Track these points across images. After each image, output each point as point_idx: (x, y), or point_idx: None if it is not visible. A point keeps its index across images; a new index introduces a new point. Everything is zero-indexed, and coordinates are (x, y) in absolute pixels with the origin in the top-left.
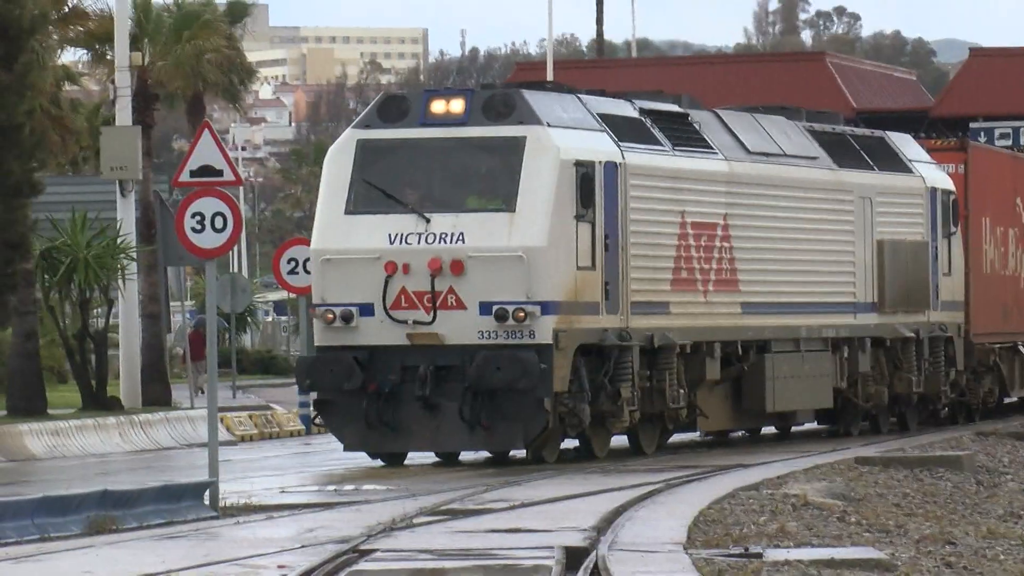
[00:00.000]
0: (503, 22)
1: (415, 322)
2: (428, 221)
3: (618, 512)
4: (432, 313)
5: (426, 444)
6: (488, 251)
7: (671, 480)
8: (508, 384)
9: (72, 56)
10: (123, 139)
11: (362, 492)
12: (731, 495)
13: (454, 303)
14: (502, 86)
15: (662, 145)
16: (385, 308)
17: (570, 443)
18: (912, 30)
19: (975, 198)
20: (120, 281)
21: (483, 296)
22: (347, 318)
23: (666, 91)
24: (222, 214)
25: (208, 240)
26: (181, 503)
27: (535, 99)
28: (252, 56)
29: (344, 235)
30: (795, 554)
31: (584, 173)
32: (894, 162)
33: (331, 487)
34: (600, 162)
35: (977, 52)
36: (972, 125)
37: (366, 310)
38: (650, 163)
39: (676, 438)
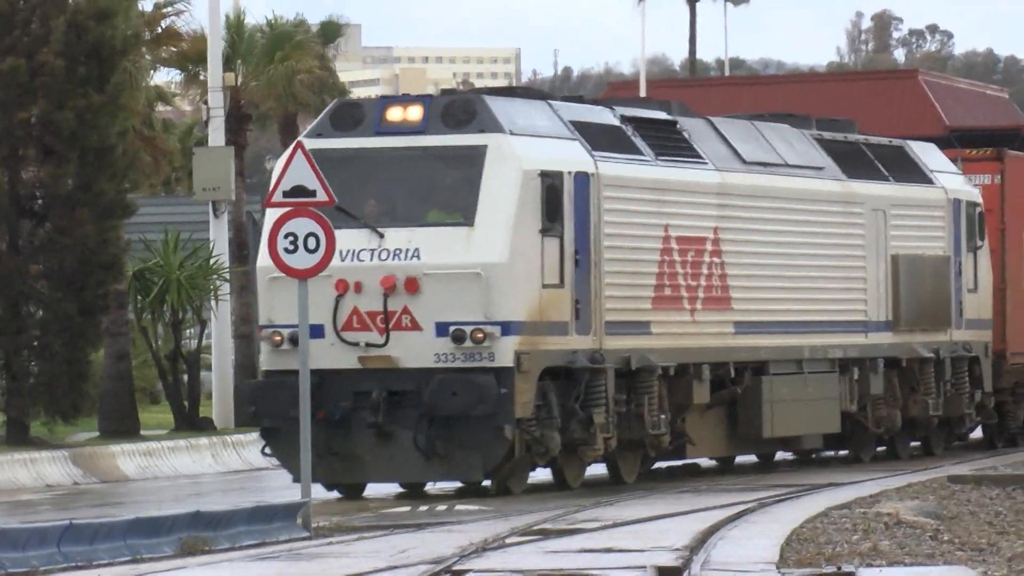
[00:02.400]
0: (596, 41)
1: (367, 344)
2: (382, 236)
3: (711, 531)
4: (385, 334)
5: (381, 474)
6: (445, 268)
7: (764, 499)
8: (465, 410)
9: (165, 76)
10: (216, 160)
11: (454, 512)
12: (823, 514)
13: (409, 324)
14: (464, 92)
15: (643, 154)
16: (336, 329)
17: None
18: (1005, 48)
19: (1013, 210)
20: (213, 302)
21: (439, 316)
22: (296, 340)
23: (754, 110)
24: (315, 235)
25: (301, 260)
26: (273, 524)
27: (498, 106)
28: (345, 76)
29: None
30: (887, 572)
31: (550, 184)
32: (912, 172)
33: (423, 507)
34: (569, 172)
35: None
36: None
37: (315, 331)
38: (628, 173)
39: (672, 465)
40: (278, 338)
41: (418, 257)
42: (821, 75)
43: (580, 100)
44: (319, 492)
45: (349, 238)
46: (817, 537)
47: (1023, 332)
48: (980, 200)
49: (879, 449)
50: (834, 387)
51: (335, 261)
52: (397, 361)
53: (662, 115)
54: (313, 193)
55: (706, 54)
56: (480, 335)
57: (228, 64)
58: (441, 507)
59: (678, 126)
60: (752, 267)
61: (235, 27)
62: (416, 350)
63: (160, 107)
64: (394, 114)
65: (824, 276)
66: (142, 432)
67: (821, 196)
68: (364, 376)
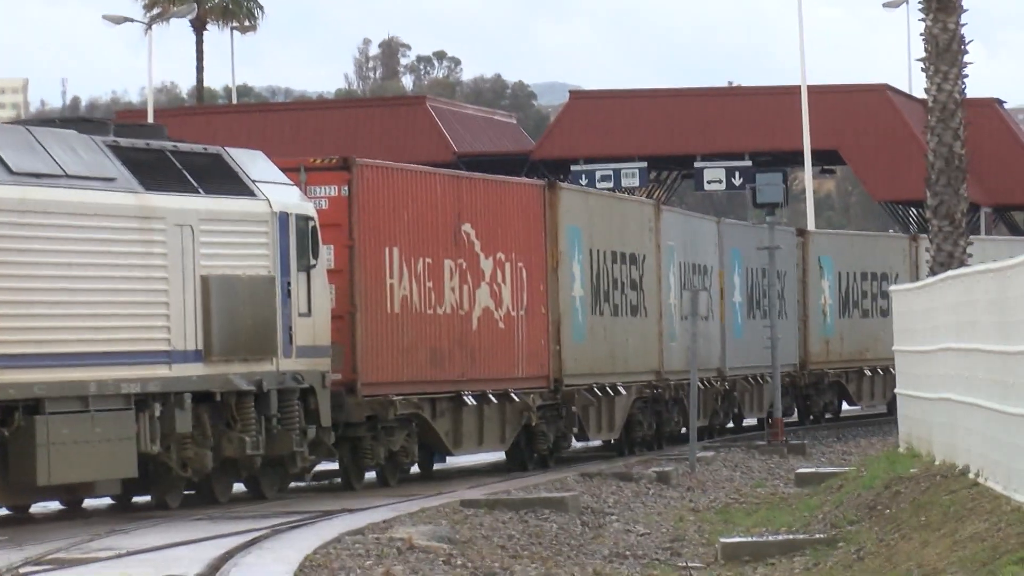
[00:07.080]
0: (104, 70)
1: None
2: None
3: (224, 558)
4: None
5: None
6: None
7: (277, 526)
8: None
9: None
10: None
11: None
12: (337, 540)
13: None
14: None
15: None
16: None
17: None
18: (513, 74)
19: (367, 225)
20: None
21: None
22: None
23: (265, 139)
24: None
25: None
26: None
27: None
28: None
29: None
30: None
31: None
32: (230, 183)
33: None
34: None
35: (577, 95)
36: (573, 167)
37: None
38: None
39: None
40: None
41: None
42: (328, 102)
43: None
44: None
45: None
46: (331, 563)
47: (379, 360)
48: (314, 214)
49: (191, 493)
50: (130, 426)
51: None
52: None
53: None
54: None
55: (214, 82)
56: None
57: None
58: None
59: None
60: (20, 292)
61: None
62: None
63: None
64: None
65: (115, 301)
66: None
67: (110, 210)
68: None
